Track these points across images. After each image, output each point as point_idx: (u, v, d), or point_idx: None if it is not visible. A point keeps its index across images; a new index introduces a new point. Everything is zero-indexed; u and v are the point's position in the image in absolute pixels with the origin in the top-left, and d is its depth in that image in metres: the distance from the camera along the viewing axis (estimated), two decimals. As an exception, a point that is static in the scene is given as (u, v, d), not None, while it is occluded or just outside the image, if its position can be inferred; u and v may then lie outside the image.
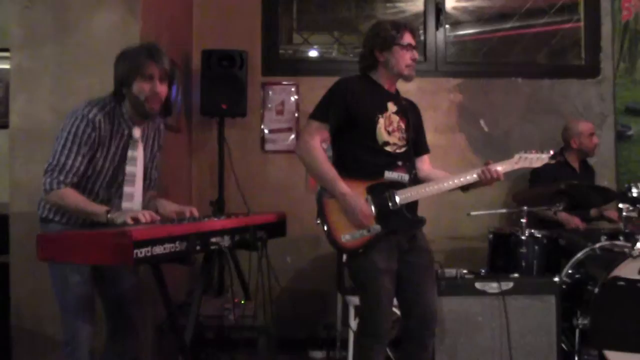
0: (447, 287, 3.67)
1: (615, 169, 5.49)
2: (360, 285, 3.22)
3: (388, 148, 3.27)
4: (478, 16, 5.52)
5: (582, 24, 5.55)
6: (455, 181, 3.34)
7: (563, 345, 3.80)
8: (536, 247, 4.18)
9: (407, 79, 3.38)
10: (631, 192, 4.20)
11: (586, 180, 4.97)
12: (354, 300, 3.99)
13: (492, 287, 3.74)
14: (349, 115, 3.25)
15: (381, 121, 3.26)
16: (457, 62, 5.45)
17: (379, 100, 3.33)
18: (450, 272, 3.78)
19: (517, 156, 3.55)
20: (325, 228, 3.18)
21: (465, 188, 3.40)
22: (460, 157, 5.31)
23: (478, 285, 3.69)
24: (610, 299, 2.41)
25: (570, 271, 4.13)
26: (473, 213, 4.43)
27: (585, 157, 5.05)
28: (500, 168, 3.38)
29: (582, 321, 3.70)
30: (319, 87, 3.63)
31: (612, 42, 5.52)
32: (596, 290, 3.69)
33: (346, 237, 3.16)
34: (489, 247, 4.43)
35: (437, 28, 5.35)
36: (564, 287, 3.94)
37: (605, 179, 5.38)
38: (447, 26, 5.40)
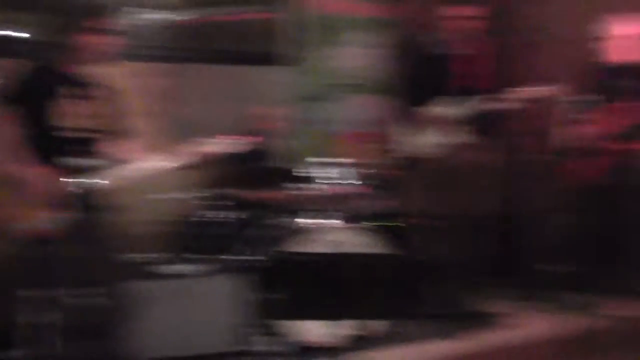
0: (133, 272, 3.64)
1: (300, 151, 5.70)
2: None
3: None
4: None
5: (273, 13, 5.78)
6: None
7: (251, 321, 3.97)
8: (223, 228, 4.32)
9: None
10: (313, 172, 4.54)
11: (272, 161, 5.20)
12: None
13: (184, 269, 3.79)
14: None
15: None
16: (158, 47, 5.38)
17: None
18: (138, 256, 3.76)
19: (209, 141, 3.62)
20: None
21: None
22: (163, 143, 5.23)
23: (165, 269, 3.72)
24: (289, 272, 2.61)
25: (257, 249, 4.33)
26: (158, 196, 4.42)
27: (269, 139, 5.26)
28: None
29: (266, 297, 3.91)
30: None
31: (300, 32, 5.83)
32: (270, 265, 3.89)
33: None
34: (180, 230, 4.47)
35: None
36: (252, 265, 4.12)
37: (291, 160, 5.64)
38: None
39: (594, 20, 4.85)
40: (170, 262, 3.84)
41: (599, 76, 4.79)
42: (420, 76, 5.00)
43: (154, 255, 3.88)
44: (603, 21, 4.64)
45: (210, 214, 4.31)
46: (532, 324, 4.59)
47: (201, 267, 3.83)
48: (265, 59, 5.79)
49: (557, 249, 5.25)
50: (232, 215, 4.45)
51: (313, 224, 4.25)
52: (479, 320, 4.55)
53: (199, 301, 3.75)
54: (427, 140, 4.99)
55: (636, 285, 4.72)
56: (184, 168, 3.48)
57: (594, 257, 4.83)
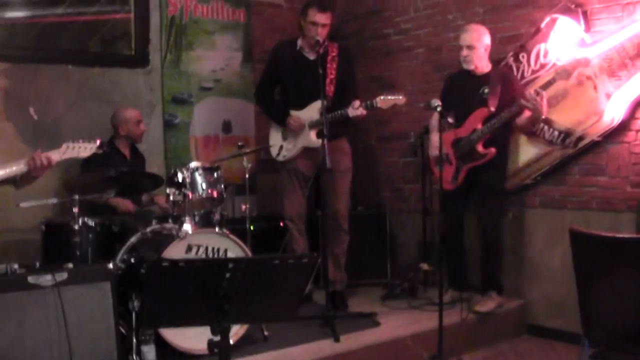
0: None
1: (164, 155, 5.82)
2: None
3: None
4: (27, -1, 5.27)
5: (132, 15, 5.69)
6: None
7: (122, 329, 3.91)
8: (90, 235, 4.23)
9: None
10: (177, 177, 4.43)
11: (137, 166, 5.16)
12: None
13: (46, 279, 3.65)
14: None
15: None
16: (3, 46, 5.12)
17: None
18: (0, 267, 3.59)
19: (64, 146, 3.54)
20: None
21: (17, 183, 3.26)
22: (9, 147, 5.02)
23: (31, 279, 3.58)
24: (157, 279, 2.59)
25: (124, 256, 4.27)
26: (23, 204, 4.26)
27: (133, 143, 5.23)
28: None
29: (136, 304, 3.87)
30: None
31: (160, 35, 5.80)
32: (139, 271, 3.86)
33: None
34: (41, 238, 4.33)
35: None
36: (119, 272, 4.06)
37: (155, 165, 5.65)
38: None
39: (452, 29, 5.18)
40: (32, 272, 3.67)
41: (455, 84, 5.11)
42: (290, 80, 5.16)
43: (14, 265, 3.69)
44: (461, 30, 4.97)
45: (72, 221, 4.15)
46: (400, 321, 4.82)
47: (66, 276, 3.70)
48: (126, 61, 5.69)
49: (426, 249, 5.58)
50: (98, 221, 4.34)
51: (180, 229, 4.21)
52: (354, 321, 4.74)
53: (66, 311, 3.62)
54: (290, 144, 5.14)
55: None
56: (37, 173, 3.33)
57: (454, 256, 5.12)
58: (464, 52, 4.88)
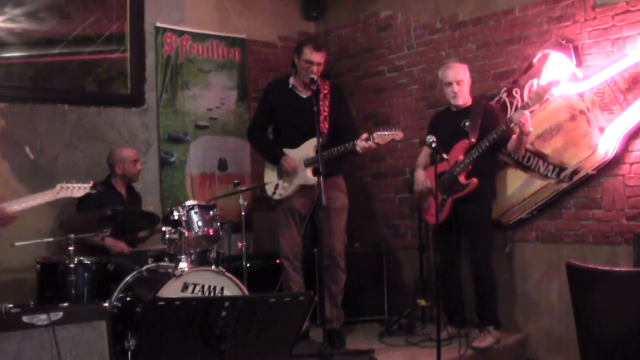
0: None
1: (160, 194, 5.82)
2: None
3: None
4: (25, 39, 5.31)
5: (128, 54, 5.75)
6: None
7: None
8: (85, 274, 4.22)
9: None
10: (173, 216, 4.49)
11: (133, 205, 5.15)
12: None
13: (41, 319, 3.62)
14: None
15: None
16: (0, 86, 5.16)
17: None
18: (-4, 306, 3.56)
19: (58, 186, 3.55)
20: None
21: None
22: (4, 185, 5.03)
23: (25, 318, 3.55)
24: (153, 318, 2.57)
25: (120, 295, 4.25)
26: (18, 243, 4.25)
27: (130, 182, 5.23)
28: (39, 200, 3.34)
29: (132, 343, 3.84)
30: None
31: (156, 74, 5.85)
32: (136, 310, 3.83)
33: None
34: (36, 277, 4.31)
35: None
36: (115, 311, 4.04)
37: (151, 203, 5.65)
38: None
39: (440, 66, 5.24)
40: (26, 311, 3.65)
41: (439, 121, 5.15)
42: (284, 119, 5.19)
43: (8, 305, 3.67)
44: (443, 68, 5.04)
45: (68, 260, 4.14)
46: (398, 358, 4.78)
47: (62, 315, 3.67)
48: (122, 100, 5.74)
49: (423, 285, 5.55)
50: (93, 260, 4.33)
51: (176, 267, 4.23)
52: (352, 358, 4.71)
53: (61, 351, 3.59)
54: (286, 182, 5.15)
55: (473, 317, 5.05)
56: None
57: (450, 292, 5.10)
58: (455, 88, 4.94)
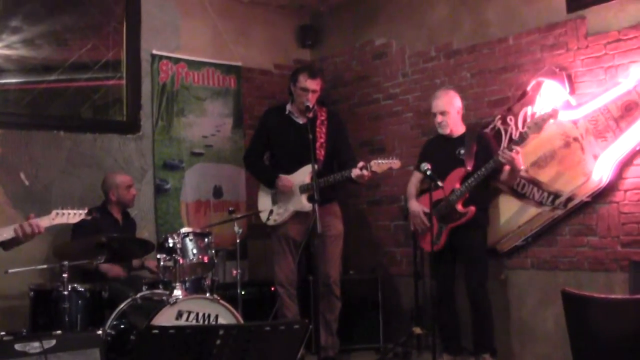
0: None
1: (155, 221, 5.81)
2: None
3: None
4: (21, 66, 5.34)
5: (124, 82, 5.78)
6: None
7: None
8: (79, 301, 4.19)
9: None
10: (168, 243, 4.48)
11: (128, 231, 5.15)
12: None
13: (34, 347, 3.59)
14: None
15: None
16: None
17: None
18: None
19: (54, 212, 3.54)
20: None
21: (5, 245, 3.26)
22: (-1, 211, 5.04)
23: (18, 346, 3.52)
24: (147, 346, 2.55)
25: (114, 323, 4.22)
26: (11, 270, 4.23)
27: (125, 208, 5.23)
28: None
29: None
30: None
31: (152, 101, 5.87)
32: (131, 338, 3.81)
33: None
34: (30, 305, 4.28)
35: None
36: (108, 339, 4.01)
37: (146, 230, 5.65)
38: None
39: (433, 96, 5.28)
40: (19, 339, 3.62)
41: (432, 148, 5.18)
42: (280, 145, 5.20)
43: (1, 332, 3.64)
44: (432, 97, 5.07)
45: (61, 287, 4.12)
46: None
47: (55, 343, 3.64)
48: (118, 127, 5.76)
49: (419, 313, 5.51)
50: (87, 287, 4.30)
51: (171, 295, 4.21)
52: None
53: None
54: (281, 208, 5.14)
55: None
56: (26, 238, 3.32)
57: (446, 320, 5.07)
58: (439, 119, 4.97)
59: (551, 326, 4.97)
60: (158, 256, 4.50)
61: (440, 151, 5.05)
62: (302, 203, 5.01)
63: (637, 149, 4.58)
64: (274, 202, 5.18)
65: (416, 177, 5.20)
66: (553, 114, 4.56)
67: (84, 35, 5.59)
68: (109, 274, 4.77)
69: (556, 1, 5.00)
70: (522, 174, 4.98)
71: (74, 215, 3.64)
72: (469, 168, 4.81)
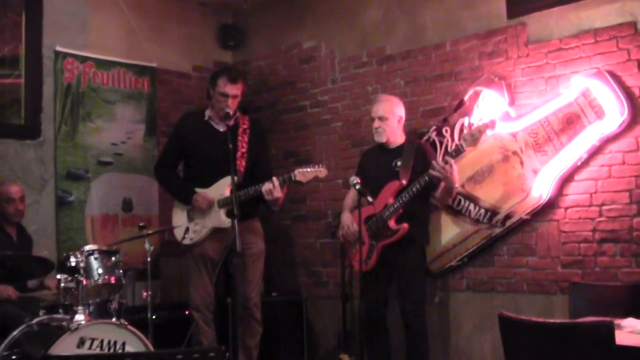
0: None
1: (56, 237, 5.66)
2: None
3: None
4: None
5: (22, 80, 5.62)
6: None
7: None
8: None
9: None
10: (70, 262, 4.37)
11: (23, 248, 4.97)
12: None
13: None
14: None
15: None
16: None
17: None
18: None
19: None
20: None
21: None
22: None
23: None
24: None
25: (5, 353, 4.05)
26: None
27: (10, 222, 5.02)
28: None
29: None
30: None
31: (54, 103, 5.73)
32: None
33: None
34: None
35: None
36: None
37: (45, 247, 5.47)
38: None
39: (372, 102, 5.28)
40: None
41: (369, 159, 5.18)
42: (197, 154, 5.11)
43: None
44: (374, 101, 5.08)
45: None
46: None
47: None
48: (15, 131, 5.58)
49: (347, 338, 5.49)
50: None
51: (72, 320, 4.12)
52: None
53: None
54: (197, 225, 5.05)
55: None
56: None
57: (376, 346, 5.05)
58: (376, 124, 4.94)
59: (488, 351, 5.04)
60: (58, 276, 4.36)
61: (376, 162, 5.03)
62: (221, 219, 4.93)
63: (578, 164, 4.70)
64: (190, 218, 5.09)
65: (353, 190, 5.16)
66: (491, 126, 4.59)
67: (-23, 27, 5.41)
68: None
69: (496, 6, 5.11)
70: (458, 189, 5.00)
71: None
72: (404, 182, 4.78)
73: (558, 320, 3.27)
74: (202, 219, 5.02)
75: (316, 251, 6.20)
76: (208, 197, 4.97)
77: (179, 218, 5.15)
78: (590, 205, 4.67)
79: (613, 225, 4.58)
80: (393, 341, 5.09)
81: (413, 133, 5.38)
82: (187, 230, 5.08)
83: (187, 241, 5.08)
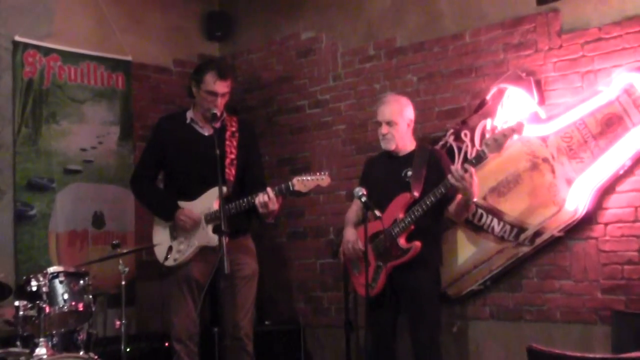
0: None
1: (14, 257, 5.60)
2: None
3: None
4: None
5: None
6: None
7: None
8: None
9: None
10: (30, 286, 4.32)
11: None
12: None
13: None
14: None
15: None
16: None
17: None
18: None
19: None
20: None
21: None
22: None
23: None
24: None
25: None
26: None
27: None
28: None
29: None
30: None
31: (13, 102, 5.68)
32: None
33: None
34: None
35: None
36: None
37: (2, 269, 5.35)
38: None
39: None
40: None
41: (375, 168, 5.12)
42: (179, 162, 5.03)
43: None
44: (379, 102, 5.03)
45: None
46: None
47: None
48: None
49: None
50: None
51: (32, 354, 4.10)
52: None
53: None
54: (182, 244, 4.97)
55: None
56: None
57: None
58: (384, 130, 4.89)
59: (515, 391, 4.96)
60: (17, 303, 4.30)
61: (384, 172, 4.97)
62: (209, 236, 4.86)
63: (620, 172, 4.65)
64: (174, 236, 5.00)
65: (357, 204, 5.09)
66: (517, 129, 4.51)
67: None
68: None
69: (524, -10, 5.10)
70: (479, 202, 4.96)
71: None
72: (416, 194, 4.72)
73: (598, 355, 3.28)
74: (188, 236, 4.95)
75: (316, 273, 6.16)
76: (194, 215, 4.88)
77: (161, 235, 5.07)
78: (635, 221, 4.61)
79: (662, 244, 4.54)
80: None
81: (425, 138, 5.35)
82: (170, 249, 5.00)
83: (170, 262, 4.98)
